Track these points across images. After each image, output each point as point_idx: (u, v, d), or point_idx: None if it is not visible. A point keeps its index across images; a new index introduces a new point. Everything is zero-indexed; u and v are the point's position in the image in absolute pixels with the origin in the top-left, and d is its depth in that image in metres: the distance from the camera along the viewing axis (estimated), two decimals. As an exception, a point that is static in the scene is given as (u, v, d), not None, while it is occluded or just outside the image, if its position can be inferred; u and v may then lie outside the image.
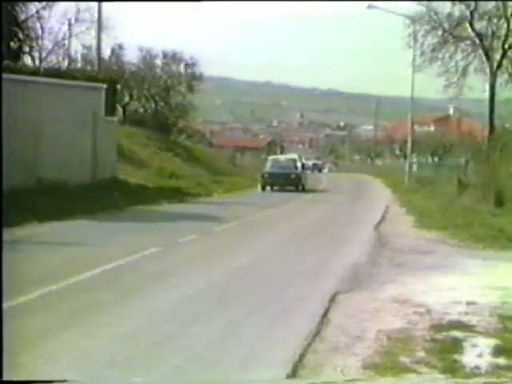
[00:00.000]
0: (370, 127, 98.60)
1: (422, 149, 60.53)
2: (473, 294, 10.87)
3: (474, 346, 8.16)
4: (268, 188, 36.57)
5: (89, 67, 34.55)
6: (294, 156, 42.09)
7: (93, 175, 26.91)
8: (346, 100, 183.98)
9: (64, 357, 7.35)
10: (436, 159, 56.25)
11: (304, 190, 36.96)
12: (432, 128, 72.08)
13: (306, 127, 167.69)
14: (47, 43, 40.86)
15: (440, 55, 37.55)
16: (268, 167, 37.82)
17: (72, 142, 25.65)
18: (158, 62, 47.79)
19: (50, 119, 24.41)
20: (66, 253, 13.49)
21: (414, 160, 62.43)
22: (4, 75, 22.19)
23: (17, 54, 28.24)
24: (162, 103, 47.67)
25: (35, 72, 24.46)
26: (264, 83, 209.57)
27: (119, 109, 46.81)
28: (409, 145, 42.81)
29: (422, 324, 9.13)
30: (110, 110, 28.86)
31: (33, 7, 31.25)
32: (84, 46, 37.51)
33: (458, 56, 36.72)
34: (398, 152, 65.47)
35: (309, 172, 60.60)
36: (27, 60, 37.24)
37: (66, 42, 41.32)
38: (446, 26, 37.37)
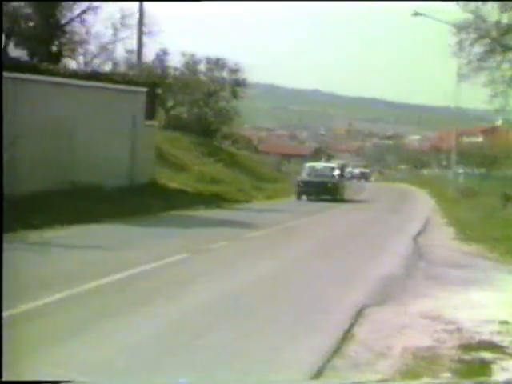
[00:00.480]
0: (418, 137, 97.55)
1: (469, 160, 59.56)
2: (507, 312, 10.33)
3: (503, 369, 7.66)
4: (304, 197, 33.98)
5: (131, 72, 34.28)
6: (332, 164, 40.41)
7: (130, 179, 26.72)
8: (393, 109, 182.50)
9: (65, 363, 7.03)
10: (483, 171, 55.13)
11: (343, 200, 34.63)
12: (480, 139, 71.00)
13: (353, 136, 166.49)
14: (93, 48, 40.98)
15: (487, 64, 36.68)
16: (304, 175, 35.49)
17: (110, 146, 25.49)
18: (202, 67, 47.69)
19: (87, 122, 24.25)
20: (84, 257, 13.22)
21: (461, 171, 61.55)
22: (41, 77, 22.29)
23: (57, 57, 28.19)
24: (205, 109, 47.48)
25: (74, 75, 24.26)
26: (312, 91, 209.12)
27: (162, 113, 46.83)
28: (453, 155, 42.06)
29: (451, 342, 8.65)
30: (151, 114, 28.68)
31: (75, 11, 31.13)
32: (127, 51, 37.39)
33: (505, 66, 35.82)
34: (444, 162, 64.50)
35: (355, 181, 60.64)
36: (71, 64, 37.55)
37: (111, 46, 41.36)
38: (493, 34, 36.51)
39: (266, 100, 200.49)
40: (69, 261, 12.69)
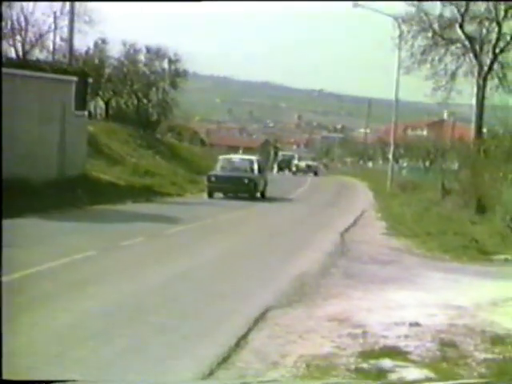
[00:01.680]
0: (368, 130, 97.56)
1: (414, 153, 59.52)
2: (422, 313, 9.77)
3: (400, 378, 7.05)
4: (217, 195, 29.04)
5: (65, 61, 33.13)
6: (251, 156, 34.46)
7: (60, 171, 25.75)
8: (344, 102, 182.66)
9: None
10: (427, 164, 55.09)
11: (263, 197, 30.43)
12: (425, 132, 71.02)
13: (303, 128, 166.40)
14: (31, 36, 39.70)
15: (429, 58, 36.30)
16: (217, 169, 30.33)
17: (37, 136, 24.50)
18: (142, 57, 46.60)
19: (11, 111, 23.14)
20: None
21: (405, 164, 61.46)
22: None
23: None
24: (144, 100, 46.48)
25: (-2, 62, 23.19)
26: (262, 84, 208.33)
27: (101, 104, 45.79)
28: (391, 148, 41.69)
29: (352, 349, 8.02)
30: (82, 104, 27.67)
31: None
32: (62, 39, 36.21)
33: (448, 59, 35.48)
34: (389, 156, 64.42)
35: (300, 175, 57.18)
36: (10, 53, 36.29)
37: (52, 34, 40.10)
38: (436, 27, 36.14)
39: (218, 93, 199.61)
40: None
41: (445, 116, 65.78)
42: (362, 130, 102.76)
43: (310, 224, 21.25)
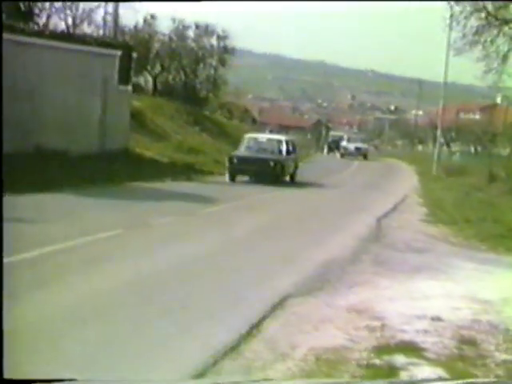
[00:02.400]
0: (420, 112, 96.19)
1: (466, 137, 58.46)
2: (446, 306, 9.37)
3: (411, 377, 6.70)
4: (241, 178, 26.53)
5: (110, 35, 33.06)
6: (281, 136, 31.70)
7: (101, 145, 25.74)
8: (398, 83, 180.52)
9: None
10: (479, 148, 54.04)
11: (293, 182, 28.14)
12: (478, 116, 69.65)
13: (355, 109, 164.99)
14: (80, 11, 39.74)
15: (482, 39, 35.33)
16: (241, 149, 27.65)
17: (78, 110, 24.52)
18: (191, 33, 46.40)
19: (52, 84, 23.25)
20: (13, 229, 12.18)
21: (457, 148, 60.45)
22: (5, 35, 21.20)
23: (27, 15, 27.05)
24: (192, 76, 46.27)
25: (39, 34, 23.17)
26: (317, 62, 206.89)
27: (150, 79, 45.73)
28: (438, 131, 40.82)
29: (366, 343, 7.68)
30: (125, 79, 27.57)
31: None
32: (107, 13, 36.14)
33: (500, 40, 34.47)
34: (441, 139, 63.36)
35: (348, 158, 53.73)
36: (61, 24, 36.42)
37: (102, 10, 40.06)
38: (489, 7, 35.14)
39: (271, 70, 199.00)
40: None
41: (498, 100, 64.37)
42: (416, 112, 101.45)
43: (348, 209, 20.81)
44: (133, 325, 7.65)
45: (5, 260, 9.63)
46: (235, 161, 26.05)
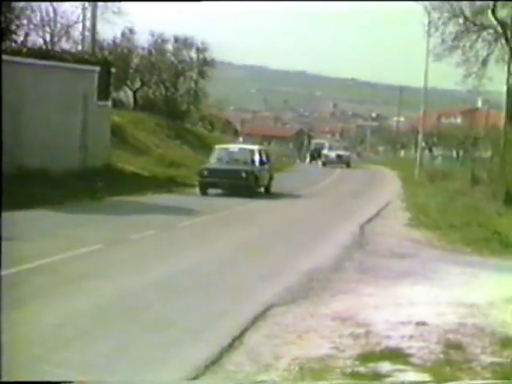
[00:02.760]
0: (402, 118, 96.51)
1: (447, 142, 58.60)
2: (432, 311, 9.30)
3: (393, 382, 6.61)
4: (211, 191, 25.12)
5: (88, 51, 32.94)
6: (252, 146, 30.16)
7: (82, 162, 25.56)
8: (379, 91, 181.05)
9: None
10: (461, 152, 54.20)
11: (268, 193, 27.03)
12: (459, 120, 69.96)
13: (338, 117, 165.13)
14: (59, 27, 39.57)
15: (461, 44, 35.47)
16: (211, 161, 26.50)
17: (59, 127, 24.34)
18: (170, 46, 46.29)
19: (33, 102, 23.08)
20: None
21: (440, 153, 60.61)
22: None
23: (3, 33, 26.83)
24: (172, 89, 46.17)
25: (17, 52, 23.01)
26: (298, 73, 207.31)
27: (130, 94, 45.60)
28: (420, 137, 40.92)
29: (351, 351, 7.58)
30: (104, 94, 27.43)
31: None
32: (87, 29, 35.99)
33: (479, 45, 34.65)
34: (423, 144, 63.54)
35: (330, 166, 51.50)
36: (39, 41, 36.26)
37: (80, 26, 39.93)
38: (467, 13, 35.30)
39: (253, 82, 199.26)
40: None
41: (479, 104, 64.72)
42: (397, 119, 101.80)
43: (331, 216, 20.75)
44: (116, 341, 7.54)
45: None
46: (205, 173, 24.93)
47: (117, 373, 6.61)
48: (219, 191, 25.14)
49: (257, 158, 26.43)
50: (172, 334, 7.96)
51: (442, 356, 7.39)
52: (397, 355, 7.40)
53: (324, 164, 54.44)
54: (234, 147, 29.16)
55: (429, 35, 35.37)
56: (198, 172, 25.46)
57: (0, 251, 9.58)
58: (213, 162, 26.42)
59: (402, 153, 75.85)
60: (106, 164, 27.05)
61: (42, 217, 16.50)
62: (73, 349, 7.15)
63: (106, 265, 11.49)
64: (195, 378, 6.52)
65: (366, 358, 7.31)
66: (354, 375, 6.78)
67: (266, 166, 27.05)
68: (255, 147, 28.63)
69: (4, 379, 5.55)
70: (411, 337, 8.09)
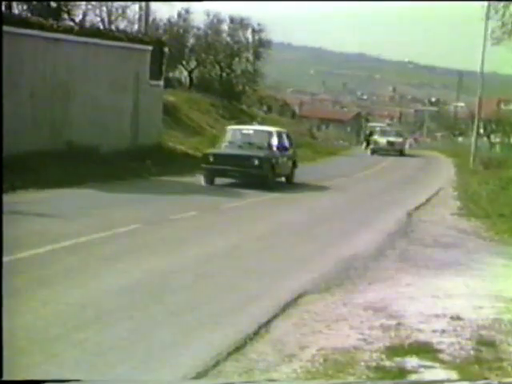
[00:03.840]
0: (461, 104, 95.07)
1: (506, 129, 57.39)
2: (469, 304, 9.01)
3: (420, 380, 6.39)
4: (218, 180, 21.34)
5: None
6: (270, 128, 25.08)
7: (133, 141, 25.63)
8: (441, 75, 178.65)
9: None
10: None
11: (290, 183, 23.25)
12: (519, 107, 68.55)
13: (396, 101, 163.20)
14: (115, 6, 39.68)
15: (521, 27, 34.54)
16: (221, 145, 22.65)
17: (110, 106, 24.38)
18: (225, 27, 46.18)
19: (83, 81, 23.16)
20: (32, 225, 12.10)
21: (498, 140, 59.44)
22: (32, 31, 21.17)
23: (57, 13, 27.01)
24: (228, 70, 46.05)
25: (70, 30, 23.07)
26: (358, 55, 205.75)
27: (185, 74, 45.63)
28: (476, 123, 40.02)
29: (379, 343, 7.37)
30: (157, 74, 27.42)
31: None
32: (141, 8, 36.00)
33: (541, 28, 33.68)
34: (481, 131, 62.35)
35: (380, 153, 45.98)
36: (95, 21, 36.46)
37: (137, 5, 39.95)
38: (529, -5, 34.35)
39: (312, 64, 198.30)
40: (9, 230, 11.50)
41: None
42: (457, 104, 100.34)
43: (380, 202, 20.43)
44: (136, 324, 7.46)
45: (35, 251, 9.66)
46: (212, 160, 20.99)
47: (132, 357, 6.53)
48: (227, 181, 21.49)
49: (275, 142, 22.35)
50: (194, 318, 7.85)
51: (472, 353, 7.14)
52: (426, 350, 7.18)
53: (373, 152, 47.89)
54: (248, 129, 24.36)
55: (488, 18, 34.44)
56: (202, 157, 21.76)
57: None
58: (222, 145, 22.50)
59: (460, 139, 74.59)
60: (156, 143, 27.07)
61: (87, 195, 16.56)
62: (91, 330, 7.08)
63: (138, 245, 11.41)
64: (197, 377, 6.36)
65: (393, 351, 7.10)
66: (378, 369, 6.58)
67: (287, 153, 23.10)
68: (273, 129, 24.06)
69: (5, 378, 5.48)
70: (443, 331, 7.84)
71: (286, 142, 23.45)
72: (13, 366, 5.89)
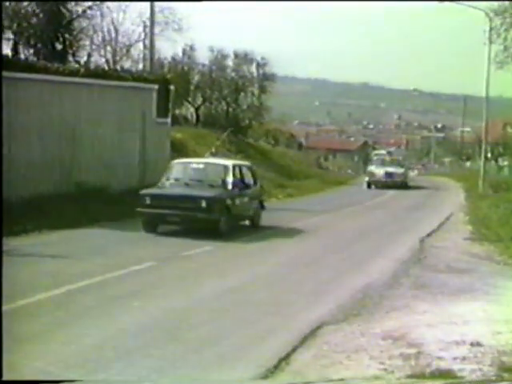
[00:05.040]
0: (468, 129, 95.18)
1: (514, 152, 57.41)
2: (487, 330, 8.97)
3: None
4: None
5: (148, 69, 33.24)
6: (226, 161, 19.79)
7: (141, 179, 25.62)
8: (446, 101, 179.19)
9: None
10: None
11: (255, 227, 18.95)
12: (525, 129, 68.54)
13: (402, 129, 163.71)
14: (120, 46, 40.06)
15: (524, 50, 34.73)
16: (163, 183, 18.54)
17: (117, 145, 24.49)
18: (230, 62, 46.48)
19: (91, 121, 23.26)
20: (44, 266, 12.14)
21: (505, 163, 59.41)
22: (38, 76, 21.37)
23: (62, 56, 27.25)
24: (233, 104, 46.30)
25: (76, 72, 23.26)
26: (361, 85, 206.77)
27: (192, 111, 45.88)
28: (483, 147, 40.04)
29: (400, 372, 7.35)
30: (163, 112, 27.55)
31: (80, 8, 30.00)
32: (145, 47, 36.35)
33: (543, 51, 33.88)
34: (489, 155, 62.38)
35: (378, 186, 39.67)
36: (100, 61, 36.78)
37: (141, 44, 40.36)
38: (530, 18, 34.56)
39: (317, 96, 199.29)
40: (23, 272, 11.52)
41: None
42: (463, 129, 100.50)
43: (391, 229, 20.42)
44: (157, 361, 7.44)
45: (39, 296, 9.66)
46: (149, 202, 17.18)
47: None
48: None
49: (230, 178, 17.94)
50: (214, 351, 7.85)
51: (494, 379, 7.09)
52: (447, 377, 7.13)
53: (369, 185, 40.94)
54: (198, 162, 19.67)
55: (490, 42, 34.65)
56: (139, 199, 17.65)
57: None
58: (165, 183, 18.41)
59: (468, 164, 74.64)
60: (165, 180, 27.13)
61: (98, 234, 16.58)
62: (112, 370, 7.08)
63: (154, 282, 11.42)
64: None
65: (415, 380, 7.05)
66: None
67: (249, 191, 19.05)
68: (230, 162, 19.32)
69: (4, 378, 5.50)
70: (464, 358, 7.81)
71: (249, 178, 19.44)
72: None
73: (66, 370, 7.02)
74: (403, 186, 40.24)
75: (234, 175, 18.12)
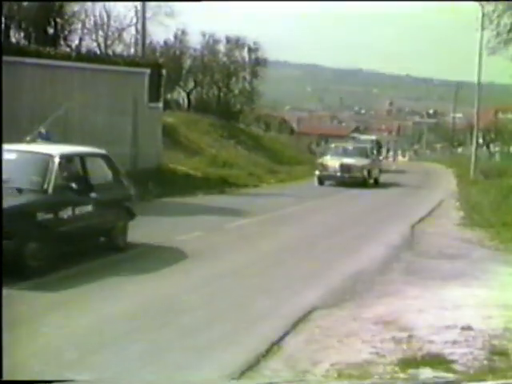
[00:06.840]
0: (460, 115, 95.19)
1: (505, 138, 57.58)
2: (478, 315, 9.02)
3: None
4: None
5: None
6: (53, 149, 11.87)
7: (133, 164, 25.57)
8: (438, 87, 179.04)
9: None
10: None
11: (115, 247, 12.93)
12: (517, 115, 68.73)
13: (394, 115, 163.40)
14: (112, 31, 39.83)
15: (516, 36, 34.68)
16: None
17: (108, 130, 24.41)
18: (221, 47, 46.36)
19: (82, 106, 23.19)
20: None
21: (497, 149, 59.60)
22: (29, 60, 21.30)
23: (53, 40, 27.13)
24: (225, 90, 46.19)
25: (67, 57, 23.19)
26: (354, 71, 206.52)
27: (184, 95, 45.77)
28: (475, 133, 40.08)
29: (392, 356, 7.39)
30: (155, 96, 27.48)
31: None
32: (137, 31, 36.15)
33: (536, 38, 33.80)
34: (480, 140, 62.43)
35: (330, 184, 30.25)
36: (92, 46, 36.62)
37: (133, 29, 40.15)
38: (523, 4, 34.50)
39: (309, 81, 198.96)
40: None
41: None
42: (454, 115, 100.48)
43: (381, 216, 20.43)
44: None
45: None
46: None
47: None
48: None
49: (53, 176, 11.16)
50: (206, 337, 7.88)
51: (485, 363, 7.14)
52: (439, 361, 7.20)
53: (320, 181, 30.41)
54: (8, 150, 11.19)
55: (482, 28, 34.59)
56: None
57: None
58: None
59: (460, 150, 74.78)
60: (157, 165, 27.08)
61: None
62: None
63: (146, 268, 11.41)
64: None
65: (406, 363, 7.12)
66: (393, 382, 6.58)
67: (102, 194, 12.49)
68: (59, 150, 11.96)
69: (5, 378, 5.52)
70: (455, 342, 7.85)
71: (101, 175, 13.47)
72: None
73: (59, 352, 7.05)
74: (366, 183, 30.18)
75: (63, 171, 11.56)
